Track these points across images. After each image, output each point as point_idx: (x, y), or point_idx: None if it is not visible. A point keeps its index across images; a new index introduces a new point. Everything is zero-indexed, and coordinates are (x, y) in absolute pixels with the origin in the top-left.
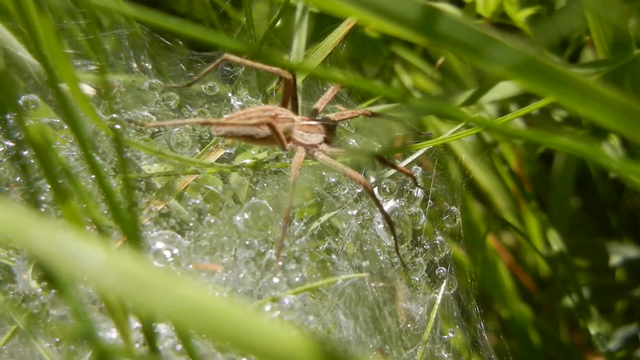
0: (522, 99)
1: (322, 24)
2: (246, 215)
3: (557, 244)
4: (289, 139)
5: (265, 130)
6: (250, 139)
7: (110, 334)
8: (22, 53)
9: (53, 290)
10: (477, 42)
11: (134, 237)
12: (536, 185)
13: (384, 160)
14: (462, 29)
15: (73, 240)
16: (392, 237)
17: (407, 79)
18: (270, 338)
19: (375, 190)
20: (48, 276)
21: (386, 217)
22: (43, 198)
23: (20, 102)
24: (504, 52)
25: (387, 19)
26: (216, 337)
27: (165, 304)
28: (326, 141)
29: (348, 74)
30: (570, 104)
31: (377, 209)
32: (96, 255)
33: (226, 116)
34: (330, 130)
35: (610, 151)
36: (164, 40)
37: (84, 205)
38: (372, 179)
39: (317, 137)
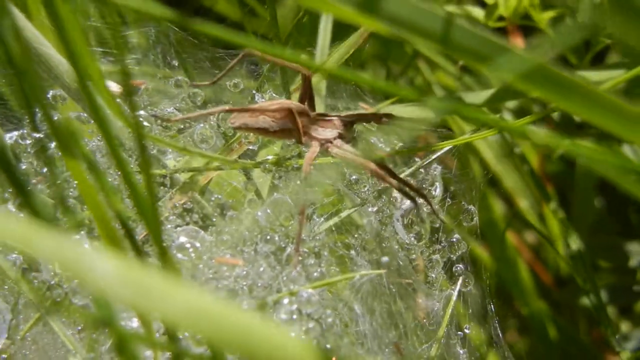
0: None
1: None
2: (268, 211)
3: (577, 243)
4: (304, 133)
5: (279, 123)
6: (265, 132)
7: (132, 322)
8: (51, 50)
9: (75, 280)
10: (487, 50)
11: (156, 232)
12: (559, 183)
13: (388, 170)
14: (471, 37)
15: (81, 250)
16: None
17: (431, 77)
18: (277, 346)
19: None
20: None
21: (403, 192)
22: (70, 192)
23: (48, 96)
24: (513, 60)
25: (400, 28)
26: (223, 344)
27: (174, 314)
28: (341, 137)
29: (365, 75)
30: (581, 112)
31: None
32: (106, 265)
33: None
34: (346, 127)
35: (632, 153)
36: (190, 38)
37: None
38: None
39: (332, 132)
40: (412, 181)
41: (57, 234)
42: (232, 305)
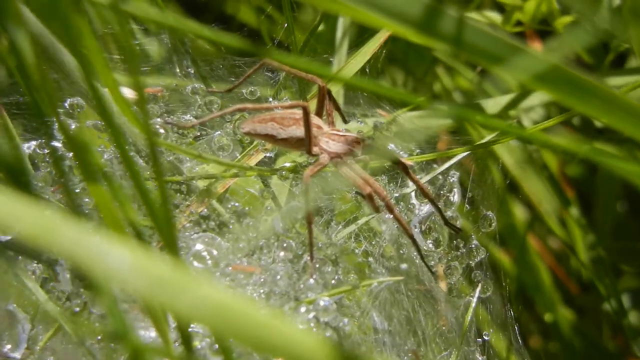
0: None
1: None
2: (285, 218)
3: (599, 248)
4: (315, 144)
5: (287, 131)
6: (272, 139)
7: (149, 332)
8: (68, 57)
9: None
10: (502, 51)
11: (170, 239)
12: (581, 187)
13: (406, 170)
14: (490, 39)
15: (100, 242)
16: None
17: (449, 83)
18: (294, 341)
19: (413, 194)
20: (85, 276)
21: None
22: (87, 200)
23: (66, 105)
24: (531, 62)
25: (416, 30)
26: (238, 338)
27: (189, 305)
28: (352, 154)
29: (381, 82)
30: (600, 115)
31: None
32: (123, 257)
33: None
34: (358, 143)
35: None
36: (206, 46)
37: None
38: (410, 183)
39: (342, 147)
40: (429, 187)
41: (74, 225)
42: (247, 300)
